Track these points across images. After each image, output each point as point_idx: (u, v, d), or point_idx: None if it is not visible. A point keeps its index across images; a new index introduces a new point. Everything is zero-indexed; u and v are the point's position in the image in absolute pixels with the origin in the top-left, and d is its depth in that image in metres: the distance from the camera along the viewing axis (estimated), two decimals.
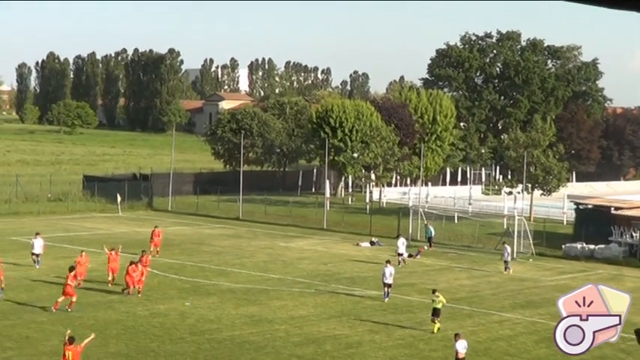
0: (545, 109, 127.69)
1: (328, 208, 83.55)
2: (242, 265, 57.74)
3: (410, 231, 70.09)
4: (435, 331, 39.78)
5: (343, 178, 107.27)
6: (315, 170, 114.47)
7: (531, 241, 65.72)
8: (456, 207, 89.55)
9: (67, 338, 30.69)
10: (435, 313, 40.20)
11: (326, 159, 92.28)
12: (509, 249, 58.32)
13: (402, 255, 58.91)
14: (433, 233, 68.21)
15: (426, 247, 65.63)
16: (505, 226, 73.18)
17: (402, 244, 58.78)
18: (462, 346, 33.69)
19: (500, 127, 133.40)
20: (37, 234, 56.31)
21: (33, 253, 54.63)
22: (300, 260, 60.62)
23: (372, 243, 67.99)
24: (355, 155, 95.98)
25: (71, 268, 43.63)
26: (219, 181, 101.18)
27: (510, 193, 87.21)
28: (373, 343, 38.34)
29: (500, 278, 56.05)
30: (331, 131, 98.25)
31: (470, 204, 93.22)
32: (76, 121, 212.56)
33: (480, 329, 41.71)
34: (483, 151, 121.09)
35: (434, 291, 41.64)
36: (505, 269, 57.62)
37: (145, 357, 34.68)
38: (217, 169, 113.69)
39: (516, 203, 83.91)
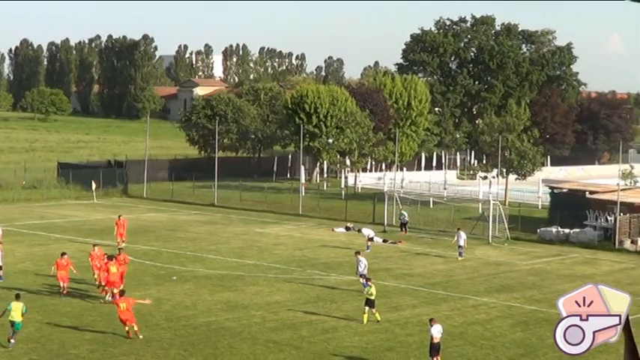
0: (520, 93, 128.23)
1: (303, 193, 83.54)
2: (217, 251, 57.69)
3: (385, 216, 70.18)
4: (365, 321, 38.55)
5: (318, 164, 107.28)
6: (290, 156, 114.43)
7: (506, 226, 65.96)
8: (432, 192, 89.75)
9: (117, 291, 37.28)
10: (369, 303, 38.84)
11: (301, 145, 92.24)
12: (463, 235, 57.51)
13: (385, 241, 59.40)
14: (407, 219, 68.27)
15: (401, 233, 65.77)
16: (480, 211, 73.43)
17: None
18: (437, 330, 33.63)
19: (474, 112, 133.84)
20: None
21: None
22: (276, 246, 60.61)
23: (347, 228, 68.02)
24: (330, 141, 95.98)
25: (110, 257, 42.23)
26: (194, 167, 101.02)
27: (485, 177, 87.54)
28: (349, 328, 38.40)
29: (475, 263, 56.22)
30: (306, 117, 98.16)
31: (445, 189, 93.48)
32: (50, 108, 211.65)
33: (456, 313, 41.85)
34: (458, 135, 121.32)
35: (367, 280, 40.65)
36: (459, 255, 56.82)
37: (121, 344, 34.59)
38: (192, 155, 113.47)
39: (491, 188, 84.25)
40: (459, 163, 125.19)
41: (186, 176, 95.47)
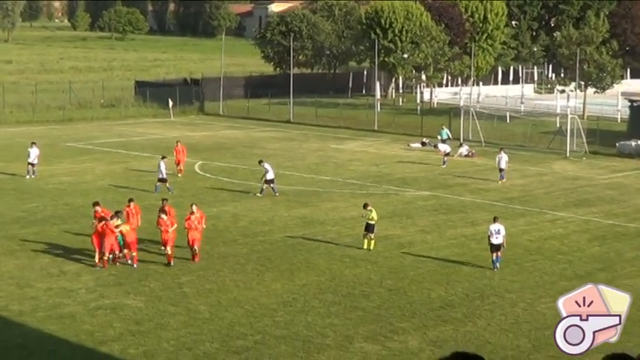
0: (599, 4, 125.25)
1: (379, 109, 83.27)
2: (293, 167, 57.97)
3: (461, 131, 69.76)
4: (365, 246, 37.05)
5: (394, 79, 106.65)
6: (365, 72, 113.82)
7: (584, 140, 65.12)
8: (508, 106, 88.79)
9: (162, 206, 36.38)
10: (368, 228, 37.32)
11: (376, 60, 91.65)
12: (505, 157, 53.47)
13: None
14: (448, 136, 65.12)
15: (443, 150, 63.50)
16: (558, 125, 72.54)
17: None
18: (495, 228, 34.04)
19: (552, 25, 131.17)
20: (33, 143, 53.76)
21: (28, 163, 52.75)
22: (351, 162, 60.71)
23: (423, 144, 67.76)
24: (405, 56, 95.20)
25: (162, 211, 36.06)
26: (269, 84, 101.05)
27: (563, 91, 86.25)
28: (425, 243, 38.52)
29: (553, 177, 55.77)
30: (381, 32, 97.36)
31: (522, 103, 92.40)
32: (127, 27, 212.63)
33: (533, 228, 41.69)
34: (535, 49, 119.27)
35: (365, 205, 38.22)
36: (500, 178, 53.04)
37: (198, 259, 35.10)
38: (267, 72, 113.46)
39: (569, 101, 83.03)
40: (536, 77, 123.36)
41: (261, 93, 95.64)
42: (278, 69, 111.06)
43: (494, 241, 34.31)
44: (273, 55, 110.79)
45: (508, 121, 77.42)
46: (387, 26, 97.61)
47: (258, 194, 47.67)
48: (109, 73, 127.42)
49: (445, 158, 59.02)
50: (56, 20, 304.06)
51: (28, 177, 52.24)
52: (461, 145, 64.57)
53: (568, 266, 35.26)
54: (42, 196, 47.48)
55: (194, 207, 36.10)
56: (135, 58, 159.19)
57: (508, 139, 69.65)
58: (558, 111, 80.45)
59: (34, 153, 52.75)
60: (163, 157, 49.89)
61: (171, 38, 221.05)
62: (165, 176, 48.75)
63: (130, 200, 38.09)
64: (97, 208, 35.59)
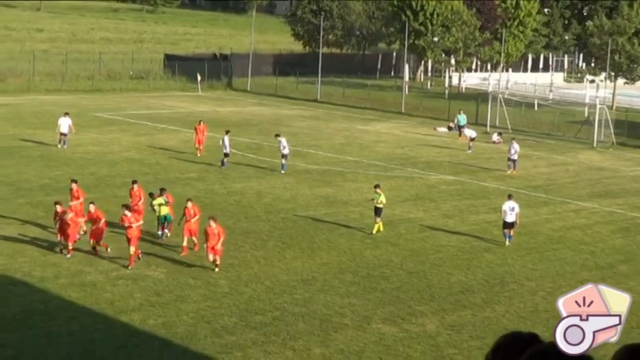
0: None
1: (407, 92, 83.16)
2: (319, 146, 58.03)
3: (488, 117, 69.59)
4: (375, 231, 36.50)
5: (423, 62, 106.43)
6: (394, 54, 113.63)
7: (612, 131, 64.81)
8: (537, 94, 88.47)
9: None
10: (376, 212, 36.76)
11: (406, 42, 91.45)
12: (516, 147, 51.65)
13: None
14: (464, 122, 64.58)
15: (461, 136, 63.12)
16: (586, 115, 72.23)
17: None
18: (510, 206, 34.60)
19: (585, 14, 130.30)
20: (67, 114, 53.81)
21: (60, 133, 52.72)
22: (377, 143, 60.69)
23: (449, 128, 67.62)
24: (435, 39, 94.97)
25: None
26: (298, 62, 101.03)
27: (593, 81, 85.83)
28: (447, 227, 38.52)
29: (578, 167, 55.58)
30: (412, 14, 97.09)
31: (551, 91, 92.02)
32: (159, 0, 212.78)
33: (556, 217, 41.60)
34: (567, 37, 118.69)
35: (376, 186, 37.74)
36: (509, 168, 51.87)
37: None
38: (297, 50, 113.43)
39: (598, 91, 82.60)
40: (566, 66, 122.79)
41: (290, 71, 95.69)
42: (307, 48, 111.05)
43: (509, 218, 35.47)
44: (303, 33, 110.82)
45: (536, 108, 77.15)
46: (418, 9, 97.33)
47: (282, 171, 47.82)
48: (139, 46, 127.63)
49: (471, 143, 58.95)
50: None
51: (59, 146, 52.47)
52: (499, 133, 63.28)
53: (590, 257, 35.19)
54: (68, 165, 47.80)
55: (189, 203, 33.49)
56: (165, 31, 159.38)
57: (535, 126, 69.45)
58: (587, 101, 79.99)
59: (65, 123, 52.86)
60: (227, 132, 50.06)
61: (202, 12, 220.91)
62: (228, 151, 48.92)
63: (134, 182, 36.58)
64: (57, 207, 32.35)
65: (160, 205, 34.11)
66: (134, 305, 27.29)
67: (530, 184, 49.14)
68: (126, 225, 31.29)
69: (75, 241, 31.83)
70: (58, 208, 32.00)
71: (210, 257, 30.48)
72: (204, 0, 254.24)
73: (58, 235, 31.95)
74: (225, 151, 49.03)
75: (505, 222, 35.65)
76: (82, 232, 32.79)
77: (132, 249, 30.89)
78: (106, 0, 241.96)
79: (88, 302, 27.34)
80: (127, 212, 31.56)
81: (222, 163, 48.77)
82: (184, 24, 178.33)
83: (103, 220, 31.96)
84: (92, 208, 32.24)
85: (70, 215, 31.77)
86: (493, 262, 33.68)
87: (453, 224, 39.03)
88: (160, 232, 34.23)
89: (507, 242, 35.61)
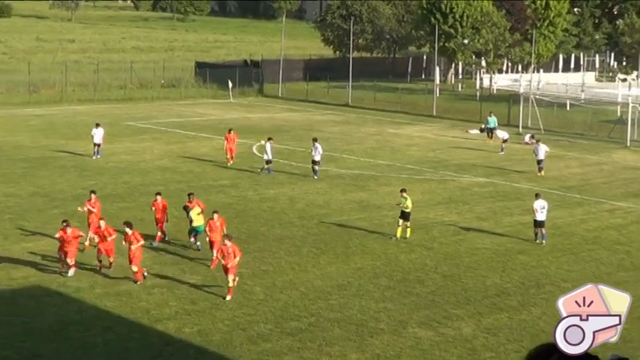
0: None
1: (438, 94, 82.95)
2: (351, 151, 57.99)
3: (520, 118, 69.29)
4: (399, 235, 36.01)
5: (453, 65, 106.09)
6: (424, 57, 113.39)
7: None
8: (569, 94, 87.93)
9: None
10: (404, 216, 36.21)
11: (436, 45, 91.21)
12: (544, 148, 50.82)
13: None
14: (495, 124, 63.88)
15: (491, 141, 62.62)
16: (619, 114, 71.75)
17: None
18: (540, 204, 34.76)
19: (615, 12, 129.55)
20: (98, 124, 53.54)
21: (94, 144, 52.78)
22: (409, 147, 60.60)
23: (481, 130, 67.31)
24: (465, 41, 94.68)
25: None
26: (328, 67, 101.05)
27: (625, 79, 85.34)
28: (481, 229, 38.36)
29: (612, 167, 55.20)
30: (441, 17, 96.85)
31: (583, 91, 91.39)
32: (189, 8, 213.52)
33: (590, 217, 41.33)
34: (597, 37, 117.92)
35: (402, 190, 37.41)
36: (539, 170, 50.77)
37: (254, 240, 35.34)
38: (327, 55, 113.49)
39: (631, 90, 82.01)
40: (597, 65, 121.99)
41: (320, 76, 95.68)
42: (337, 52, 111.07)
43: (540, 217, 35.90)
44: (332, 38, 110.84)
45: (568, 108, 76.73)
46: (448, 11, 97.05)
47: (315, 177, 47.81)
48: (170, 54, 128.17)
49: (503, 145, 58.69)
50: (119, 0, 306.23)
51: (94, 157, 52.61)
52: (532, 136, 62.83)
53: (626, 257, 34.93)
54: (102, 174, 48.05)
55: (215, 215, 32.72)
56: (195, 39, 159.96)
57: (568, 127, 69.05)
58: (619, 100, 79.42)
59: (99, 133, 52.97)
60: (270, 139, 49.82)
61: (232, 20, 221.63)
62: (271, 158, 48.91)
63: (158, 194, 35.87)
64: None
65: (198, 214, 33.87)
66: (169, 313, 27.36)
67: (564, 184, 48.86)
68: (127, 243, 30.40)
69: (74, 258, 30.85)
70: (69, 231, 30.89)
71: (230, 278, 28.70)
72: (234, 7, 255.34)
73: (59, 254, 31.13)
74: (267, 157, 49.03)
75: (535, 220, 36.04)
76: (82, 248, 32.60)
77: (134, 268, 29.95)
78: (136, 9, 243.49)
79: (123, 311, 27.44)
80: (127, 230, 30.46)
81: (268, 170, 48.82)
82: (214, 31, 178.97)
83: (112, 237, 31.07)
84: (102, 224, 31.48)
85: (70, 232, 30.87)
86: (528, 263, 33.51)
87: (487, 226, 38.87)
88: (192, 240, 34.17)
89: (543, 242, 35.74)
